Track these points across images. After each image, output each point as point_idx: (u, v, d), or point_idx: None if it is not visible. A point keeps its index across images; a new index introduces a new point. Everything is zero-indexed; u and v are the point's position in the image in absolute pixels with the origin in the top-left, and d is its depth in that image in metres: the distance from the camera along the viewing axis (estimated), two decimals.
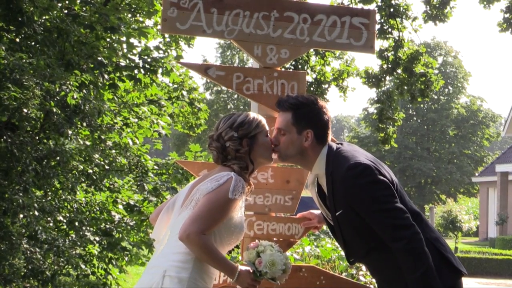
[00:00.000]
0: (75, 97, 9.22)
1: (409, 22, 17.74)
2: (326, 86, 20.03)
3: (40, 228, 9.67)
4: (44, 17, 10.29)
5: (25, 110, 8.72)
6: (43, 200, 10.16)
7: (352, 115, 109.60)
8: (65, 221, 10.86)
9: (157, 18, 13.54)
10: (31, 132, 9.86)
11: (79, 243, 10.59)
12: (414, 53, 17.40)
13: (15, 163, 9.06)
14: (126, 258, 11.72)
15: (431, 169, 56.46)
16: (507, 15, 18.02)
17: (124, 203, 12.00)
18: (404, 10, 17.54)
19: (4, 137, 9.09)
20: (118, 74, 12.08)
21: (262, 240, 4.22)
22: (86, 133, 11.28)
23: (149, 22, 13.95)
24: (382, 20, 17.44)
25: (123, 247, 11.44)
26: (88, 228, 10.99)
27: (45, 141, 10.07)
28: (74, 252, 10.23)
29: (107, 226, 11.49)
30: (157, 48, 13.90)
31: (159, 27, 13.07)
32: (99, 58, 10.54)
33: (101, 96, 11.39)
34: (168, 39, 15.02)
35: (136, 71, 12.34)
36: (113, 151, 11.86)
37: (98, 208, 11.99)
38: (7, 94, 8.55)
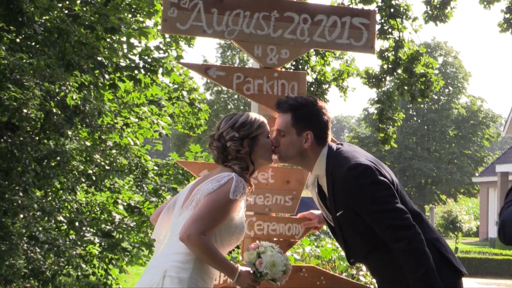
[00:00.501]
0: (74, 98, 9.23)
1: (410, 23, 17.75)
2: (326, 86, 20.04)
3: (40, 228, 9.68)
4: (44, 18, 10.29)
5: (25, 111, 8.73)
6: (43, 201, 10.17)
7: (352, 115, 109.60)
8: (65, 221, 10.87)
9: (157, 18, 13.54)
10: (31, 133, 9.86)
11: (79, 243, 10.59)
12: (414, 53, 17.41)
13: (15, 163, 9.06)
14: (126, 259, 11.73)
15: (431, 169, 56.47)
16: (507, 16, 18.03)
17: (125, 203, 12.00)
18: (404, 11, 17.55)
19: (4, 137, 9.10)
20: (118, 75, 12.09)
21: (263, 240, 4.22)
22: (85, 134, 11.28)
23: (149, 22, 13.96)
24: (383, 21, 17.45)
25: (124, 247, 11.45)
26: (88, 228, 11.00)
27: (45, 141, 10.07)
28: (74, 253, 10.23)
29: (108, 227, 11.49)
30: (158, 48, 13.91)
31: (159, 27, 13.08)
32: (99, 59, 10.54)
33: (102, 96, 11.40)
34: (168, 39, 15.02)
35: (136, 72, 12.34)
36: (114, 151, 11.86)
37: (98, 209, 12.00)
38: (7, 94, 8.55)
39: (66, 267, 10.64)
